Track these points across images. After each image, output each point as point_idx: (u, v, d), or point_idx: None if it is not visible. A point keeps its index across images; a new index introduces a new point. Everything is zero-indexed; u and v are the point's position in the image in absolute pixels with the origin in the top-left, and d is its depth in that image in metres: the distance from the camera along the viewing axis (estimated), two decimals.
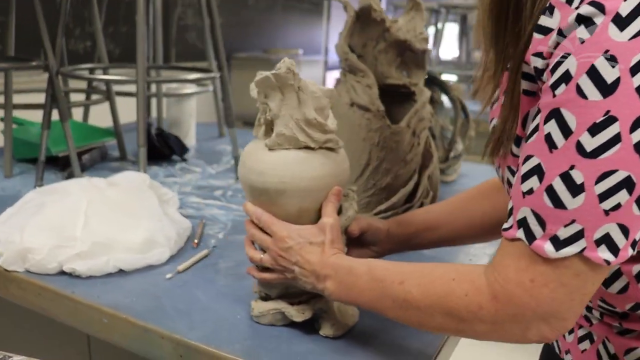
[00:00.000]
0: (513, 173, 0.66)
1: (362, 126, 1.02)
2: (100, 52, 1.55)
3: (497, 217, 0.87)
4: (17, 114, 1.61)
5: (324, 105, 0.77)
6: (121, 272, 0.93)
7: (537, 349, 0.94)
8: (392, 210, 1.05)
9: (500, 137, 0.65)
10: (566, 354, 0.75)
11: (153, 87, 1.76)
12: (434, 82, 1.59)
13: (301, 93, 0.74)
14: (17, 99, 1.57)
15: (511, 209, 0.59)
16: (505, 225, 0.59)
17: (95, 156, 1.53)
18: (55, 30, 1.30)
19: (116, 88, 1.61)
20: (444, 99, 1.63)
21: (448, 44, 5.18)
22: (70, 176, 1.35)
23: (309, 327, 0.79)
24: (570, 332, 0.74)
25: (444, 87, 1.56)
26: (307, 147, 0.75)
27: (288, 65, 0.72)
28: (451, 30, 4.79)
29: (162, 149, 1.59)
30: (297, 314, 0.78)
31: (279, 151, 0.74)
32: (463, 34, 4.49)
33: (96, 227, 0.95)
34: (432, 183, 1.11)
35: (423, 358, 0.75)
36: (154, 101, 1.85)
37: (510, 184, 0.66)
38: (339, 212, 0.79)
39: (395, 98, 1.13)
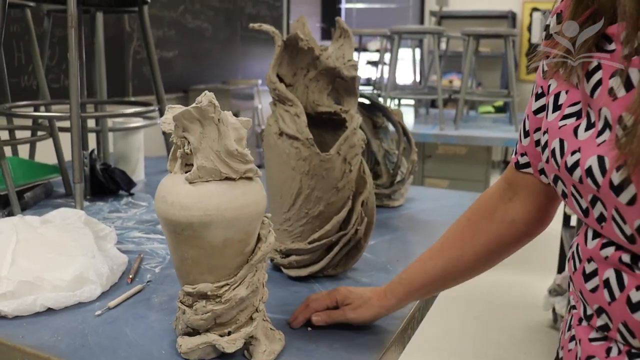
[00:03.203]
0: None
1: (292, 155, 1.04)
2: (42, 88, 1.55)
3: (490, 251, 0.85)
4: None
5: (243, 136, 0.78)
6: (51, 310, 0.92)
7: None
8: (325, 238, 1.06)
9: None
10: None
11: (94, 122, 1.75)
12: (376, 107, 1.62)
13: (221, 125, 0.75)
14: None
15: None
16: None
17: (38, 193, 1.52)
18: None
19: (60, 124, 1.60)
20: (390, 123, 1.66)
21: (404, 69, 5.29)
22: (10, 215, 1.33)
23: (236, 359, 0.79)
24: (569, 328, 0.71)
25: (385, 112, 1.59)
26: (228, 178, 0.76)
27: (209, 98, 0.73)
28: (406, 55, 4.88)
29: (108, 184, 1.58)
30: (229, 345, 0.78)
31: (201, 184, 0.75)
32: (420, 58, 4.58)
33: (24, 266, 0.94)
34: (367, 209, 1.12)
35: None
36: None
37: None
38: (258, 239, 0.80)
39: (329, 125, 1.14)
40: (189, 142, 0.75)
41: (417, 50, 4.63)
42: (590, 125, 0.61)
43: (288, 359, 0.80)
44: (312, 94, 1.13)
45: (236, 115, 2.71)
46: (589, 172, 0.58)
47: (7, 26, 2.55)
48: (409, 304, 0.93)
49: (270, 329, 0.82)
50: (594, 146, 0.59)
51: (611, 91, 0.58)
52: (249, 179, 0.78)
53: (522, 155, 0.80)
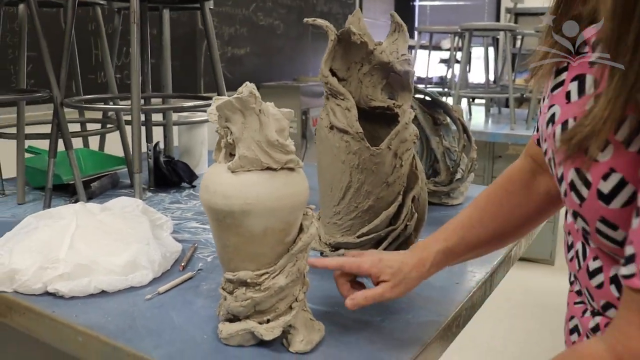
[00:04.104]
0: (584, 179, 0.59)
1: (342, 149, 1.04)
2: (110, 83, 1.62)
3: (530, 221, 0.90)
4: (34, 143, 1.69)
5: (284, 127, 0.79)
6: (104, 293, 0.96)
7: None
8: (374, 232, 1.05)
9: (579, 133, 0.57)
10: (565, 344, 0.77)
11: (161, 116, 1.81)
12: (437, 104, 1.59)
13: (262, 115, 0.76)
14: (35, 129, 1.64)
15: (632, 255, 0.52)
16: (626, 272, 0.53)
17: (105, 183, 1.58)
18: (60, 63, 1.37)
19: (127, 117, 1.67)
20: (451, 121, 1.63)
21: (479, 68, 5.18)
22: (76, 202, 1.40)
23: (275, 346, 0.80)
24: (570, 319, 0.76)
25: (445, 109, 1.56)
26: (269, 168, 0.77)
27: (250, 89, 0.75)
28: (482, 54, 4.77)
29: (171, 176, 1.63)
30: (267, 332, 0.79)
31: (242, 173, 0.76)
32: (496, 56, 4.47)
33: (81, 249, 0.98)
34: (418, 205, 1.10)
35: None
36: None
37: (574, 189, 0.61)
38: (300, 230, 0.81)
39: (383, 120, 1.14)
40: (231, 132, 0.76)
41: (491, 49, 4.53)
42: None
43: (326, 349, 0.80)
44: (366, 89, 1.12)
45: (306, 112, 2.75)
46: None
47: (85, 25, 2.67)
48: None
49: (310, 319, 0.83)
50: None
51: (568, 94, 0.64)
52: (291, 169, 0.78)
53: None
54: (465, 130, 1.54)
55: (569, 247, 0.72)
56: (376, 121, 1.15)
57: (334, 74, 1.10)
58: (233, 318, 0.81)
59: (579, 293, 0.72)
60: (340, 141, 1.04)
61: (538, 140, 0.85)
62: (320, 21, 1.10)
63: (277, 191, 0.76)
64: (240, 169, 0.76)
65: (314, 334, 0.81)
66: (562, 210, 0.81)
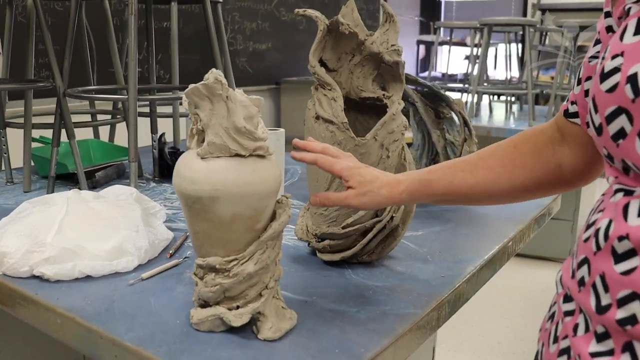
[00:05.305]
0: None
1: (327, 139, 1.04)
2: (117, 75, 1.64)
3: (525, 188, 0.83)
4: (42, 134, 1.73)
5: (253, 114, 0.79)
6: (89, 277, 0.97)
7: None
8: (359, 224, 1.05)
9: None
10: None
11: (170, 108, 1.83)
12: (438, 97, 1.58)
13: (230, 102, 0.76)
14: (45, 120, 1.68)
15: None
16: None
17: (110, 173, 1.61)
18: (64, 54, 1.40)
19: (139, 110, 1.69)
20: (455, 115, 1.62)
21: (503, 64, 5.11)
22: None
23: (245, 333, 0.81)
24: (555, 341, 0.66)
25: (448, 102, 1.55)
26: (238, 155, 0.77)
27: (216, 75, 0.75)
28: (503, 50, 4.71)
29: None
30: (235, 318, 0.79)
31: (211, 159, 0.77)
32: (522, 51, 4.41)
33: (68, 234, 1.00)
34: None
35: None
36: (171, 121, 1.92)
37: None
38: (273, 217, 0.81)
39: (374, 112, 1.14)
40: (200, 119, 0.77)
41: (514, 45, 4.47)
42: None
43: (295, 338, 0.80)
44: (357, 80, 1.12)
45: None
46: None
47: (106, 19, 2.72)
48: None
49: (282, 307, 0.83)
50: None
51: None
52: (261, 156, 0.79)
53: (572, 103, 0.77)
54: (466, 123, 1.52)
55: (622, 256, 0.56)
56: (367, 112, 1.15)
57: (324, 64, 1.10)
58: (204, 304, 0.82)
59: (627, 321, 0.55)
60: (326, 131, 1.04)
61: (566, 111, 0.78)
62: (310, 11, 1.10)
63: (245, 178, 0.76)
64: (209, 155, 0.76)
65: (284, 322, 0.81)
66: (582, 210, 0.76)
